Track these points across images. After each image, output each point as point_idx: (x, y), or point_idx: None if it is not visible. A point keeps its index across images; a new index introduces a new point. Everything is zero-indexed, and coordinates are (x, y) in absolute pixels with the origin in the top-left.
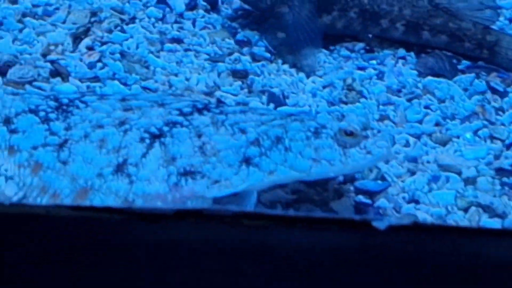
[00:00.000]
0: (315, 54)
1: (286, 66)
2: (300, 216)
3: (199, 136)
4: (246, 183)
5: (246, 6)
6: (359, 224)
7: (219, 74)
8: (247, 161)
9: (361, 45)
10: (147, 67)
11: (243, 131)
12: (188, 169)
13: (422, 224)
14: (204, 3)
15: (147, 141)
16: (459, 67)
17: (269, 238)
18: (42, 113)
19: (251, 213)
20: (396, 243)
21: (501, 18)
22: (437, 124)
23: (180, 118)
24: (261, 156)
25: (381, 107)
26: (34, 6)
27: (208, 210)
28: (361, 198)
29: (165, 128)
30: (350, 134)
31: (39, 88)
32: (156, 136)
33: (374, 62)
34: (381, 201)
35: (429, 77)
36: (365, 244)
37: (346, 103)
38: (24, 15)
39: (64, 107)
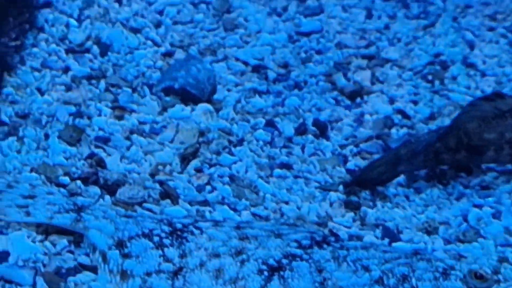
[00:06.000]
0: None
1: (398, 199)
2: None
3: (320, 271)
4: None
5: (356, 133)
6: None
7: (331, 204)
8: None
9: (476, 181)
10: (257, 193)
11: (366, 268)
12: None
13: None
14: (314, 128)
15: (266, 273)
16: None
17: None
18: (156, 238)
19: None
20: None
21: None
22: None
23: (299, 251)
24: None
25: (499, 248)
26: (140, 123)
27: None
28: None
29: (284, 261)
30: (480, 277)
31: (149, 210)
32: (275, 269)
33: (490, 199)
34: None
35: None
36: None
37: (463, 241)
38: (131, 132)
39: (179, 233)
